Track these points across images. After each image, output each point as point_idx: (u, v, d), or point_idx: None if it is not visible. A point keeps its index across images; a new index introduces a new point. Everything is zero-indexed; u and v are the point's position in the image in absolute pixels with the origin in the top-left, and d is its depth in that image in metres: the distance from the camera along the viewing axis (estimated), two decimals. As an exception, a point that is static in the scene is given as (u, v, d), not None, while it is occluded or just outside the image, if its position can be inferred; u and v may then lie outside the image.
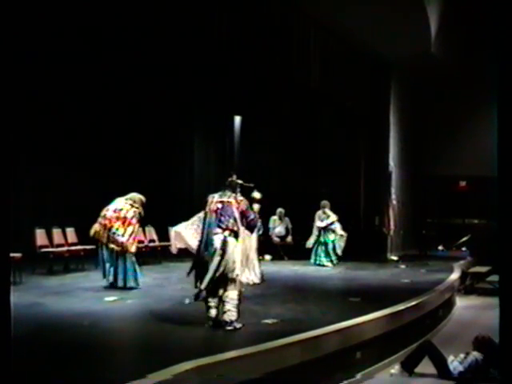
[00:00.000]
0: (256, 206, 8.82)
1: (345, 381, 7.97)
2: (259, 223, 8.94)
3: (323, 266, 16.37)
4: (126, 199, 11.38)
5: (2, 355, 3.62)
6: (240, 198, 8.28)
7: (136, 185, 11.83)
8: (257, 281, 8.19)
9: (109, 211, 11.22)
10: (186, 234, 8.88)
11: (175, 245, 9.04)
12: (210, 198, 8.32)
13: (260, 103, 17.93)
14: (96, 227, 11.25)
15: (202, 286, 7.88)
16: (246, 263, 8.16)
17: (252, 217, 8.24)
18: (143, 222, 13.00)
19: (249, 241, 8.30)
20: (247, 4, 14.17)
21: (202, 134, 20.16)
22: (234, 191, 8.32)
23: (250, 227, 8.22)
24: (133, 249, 11.25)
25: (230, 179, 8.41)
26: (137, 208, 11.35)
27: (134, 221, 11.28)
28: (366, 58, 20.16)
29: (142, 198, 11.56)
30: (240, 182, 8.47)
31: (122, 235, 11.08)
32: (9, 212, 3.67)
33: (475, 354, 8.49)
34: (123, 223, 11.14)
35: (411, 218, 23.39)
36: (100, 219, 11.22)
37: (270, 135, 20.27)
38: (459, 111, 24.01)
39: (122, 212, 11.21)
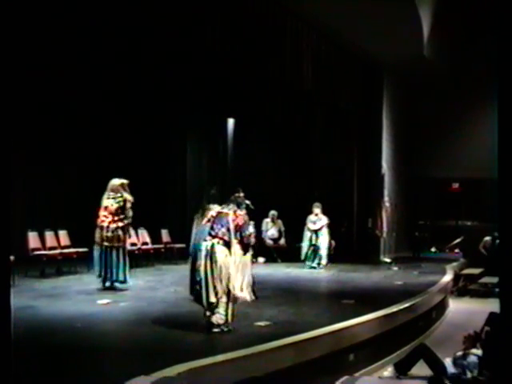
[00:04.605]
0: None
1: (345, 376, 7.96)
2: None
3: (315, 268, 16.35)
4: (108, 195, 11.34)
5: (2, 358, 3.62)
6: (240, 212, 8.21)
7: (129, 187, 11.78)
8: (248, 299, 8.14)
9: (100, 211, 11.29)
10: None
11: None
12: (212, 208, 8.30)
13: (253, 105, 17.92)
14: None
15: (213, 300, 7.81)
16: (241, 279, 8.06)
17: (247, 233, 8.20)
18: (136, 223, 12.98)
19: (243, 258, 8.19)
20: (240, 6, 14.17)
21: (195, 136, 20.12)
22: (238, 207, 8.27)
23: (244, 244, 8.12)
24: (125, 242, 11.34)
25: (236, 194, 8.37)
26: (120, 197, 11.30)
27: (119, 213, 11.26)
28: (359, 59, 20.18)
29: (120, 181, 11.40)
30: (247, 202, 8.41)
31: (114, 230, 11.14)
32: (8, 215, 3.66)
33: (474, 352, 8.49)
34: (113, 219, 11.19)
35: (404, 220, 23.42)
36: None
37: (263, 137, 20.27)
38: (452, 113, 24.07)
39: (107, 209, 11.25)
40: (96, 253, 11.27)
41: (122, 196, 11.31)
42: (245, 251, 8.06)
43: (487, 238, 18.51)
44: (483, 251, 18.61)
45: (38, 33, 12.36)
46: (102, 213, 11.26)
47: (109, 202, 11.27)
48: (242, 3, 14.30)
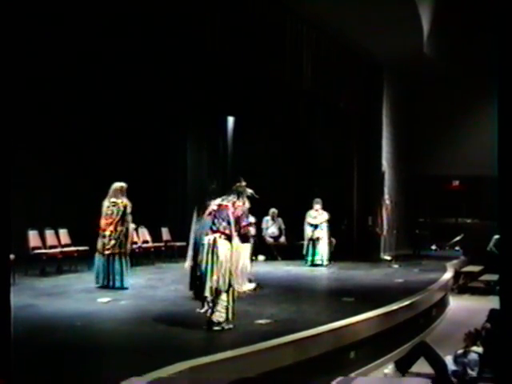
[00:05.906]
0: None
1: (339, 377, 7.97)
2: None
3: (318, 265, 16.31)
4: (109, 201, 11.32)
5: (2, 357, 3.64)
6: (239, 203, 8.22)
7: (129, 186, 11.78)
8: (251, 287, 8.16)
9: (102, 219, 11.28)
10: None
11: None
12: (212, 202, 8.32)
13: (253, 104, 17.91)
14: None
15: (207, 294, 7.82)
16: (238, 272, 8.09)
17: (245, 224, 8.21)
18: (137, 222, 12.96)
19: (242, 249, 8.21)
20: (240, 5, 14.17)
21: (194, 134, 20.10)
22: (238, 197, 8.27)
23: (242, 235, 8.14)
24: (127, 247, 11.31)
25: (237, 184, 8.37)
26: (120, 203, 11.29)
27: (120, 219, 11.22)
28: (359, 58, 20.16)
29: (119, 185, 11.39)
30: (251, 191, 8.42)
31: (116, 238, 11.12)
32: (8, 214, 3.68)
33: (474, 349, 8.48)
34: (115, 228, 11.17)
35: (404, 218, 23.39)
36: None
37: (263, 136, 20.28)
38: (452, 111, 24.06)
39: (108, 217, 11.24)
40: (97, 261, 11.28)
41: (122, 202, 11.29)
42: (243, 241, 8.08)
43: (498, 237, 18.28)
44: (494, 249, 18.29)
45: (37, 36, 12.37)
46: (104, 221, 11.23)
47: (109, 209, 11.25)
48: (242, 3, 14.29)
